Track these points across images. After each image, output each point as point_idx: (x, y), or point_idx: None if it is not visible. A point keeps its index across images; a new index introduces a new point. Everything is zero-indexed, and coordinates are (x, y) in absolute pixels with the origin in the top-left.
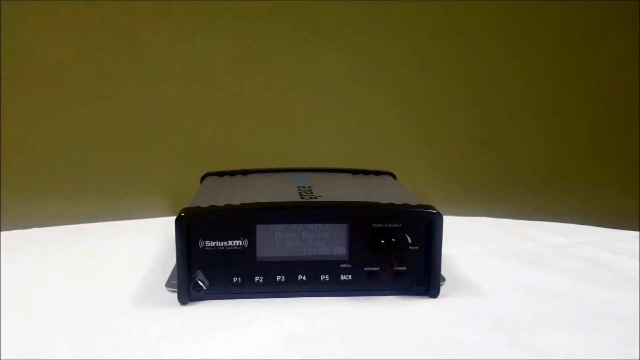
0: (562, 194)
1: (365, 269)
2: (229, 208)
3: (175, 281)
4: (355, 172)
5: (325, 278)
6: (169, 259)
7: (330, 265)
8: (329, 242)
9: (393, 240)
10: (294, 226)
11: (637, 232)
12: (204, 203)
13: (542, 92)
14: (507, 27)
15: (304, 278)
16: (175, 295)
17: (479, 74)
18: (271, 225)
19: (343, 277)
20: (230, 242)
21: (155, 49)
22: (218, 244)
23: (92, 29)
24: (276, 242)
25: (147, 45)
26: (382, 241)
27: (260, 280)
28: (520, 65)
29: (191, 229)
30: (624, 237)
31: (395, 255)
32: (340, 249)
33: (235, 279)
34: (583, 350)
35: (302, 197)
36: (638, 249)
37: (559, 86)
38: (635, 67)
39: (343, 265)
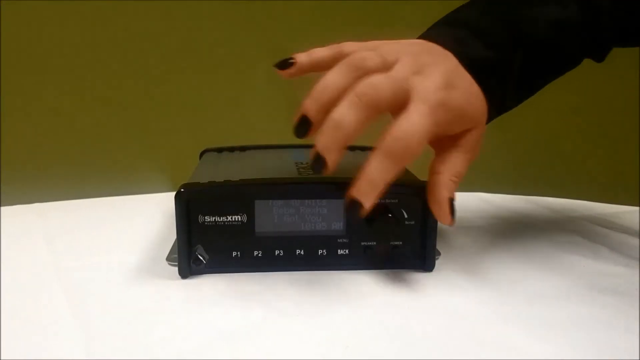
0: (558, 169)
1: (362, 243)
2: (227, 184)
3: (176, 255)
4: (352, 148)
5: (322, 252)
6: (169, 234)
7: (328, 240)
8: (326, 217)
9: (389, 215)
10: (292, 202)
11: (633, 208)
12: (203, 179)
13: None
14: None
15: (302, 253)
16: (176, 269)
17: None
18: (269, 200)
19: (340, 252)
20: (229, 217)
21: (153, 25)
22: (217, 219)
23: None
24: (274, 217)
25: (145, 23)
26: (379, 216)
27: (259, 255)
28: None
29: (191, 204)
30: (619, 212)
31: (392, 230)
32: (337, 224)
33: (234, 253)
34: (578, 321)
35: (300, 173)
36: (634, 224)
37: None
38: None
39: (340, 240)
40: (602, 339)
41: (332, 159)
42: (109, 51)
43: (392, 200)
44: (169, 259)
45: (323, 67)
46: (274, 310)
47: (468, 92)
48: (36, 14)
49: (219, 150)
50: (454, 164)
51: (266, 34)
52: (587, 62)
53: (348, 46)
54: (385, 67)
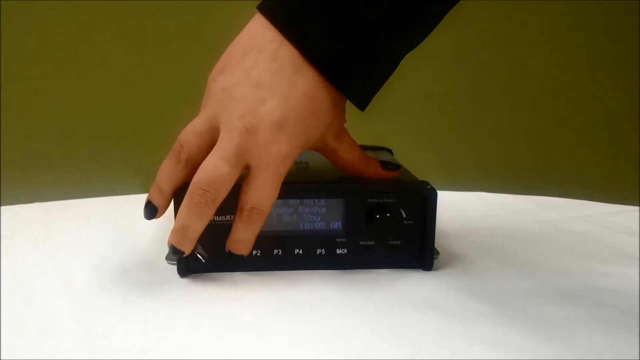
0: (558, 169)
1: (361, 243)
2: None
3: None
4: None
5: (321, 252)
6: (168, 233)
7: (326, 240)
8: (324, 216)
9: (388, 215)
10: (291, 201)
11: (633, 207)
12: None
13: (535, 66)
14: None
15: (301, 252)
16: (175, 268)
17: (471, 51)
18: None
19: (339, 251)
20: (228, 217)
21: (153, 25)
22: (216, 218)
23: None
24: (273, 216)
25: (145, 23)
26: (377, 216)
27: (258, 254)
28: (517, 44)
29: None
30: (619, 211)
31: (390, 230)
32: (336, 224)
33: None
34: (578, 321)
35: (298, 172)
36: (634, 223)
37: (552, 60)
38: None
39: (339, 240)
40: (601, 339)
41: (187, 249)
42: (108, 51)
43: (391, 200)
44: (168, 258)
45: (179, 183)
46: (273, 309)
47: (307, 115)
48: (36, 14)
49: None
50: (350, 156)
51: None
52: (587, 61)
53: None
54: (211, 138)
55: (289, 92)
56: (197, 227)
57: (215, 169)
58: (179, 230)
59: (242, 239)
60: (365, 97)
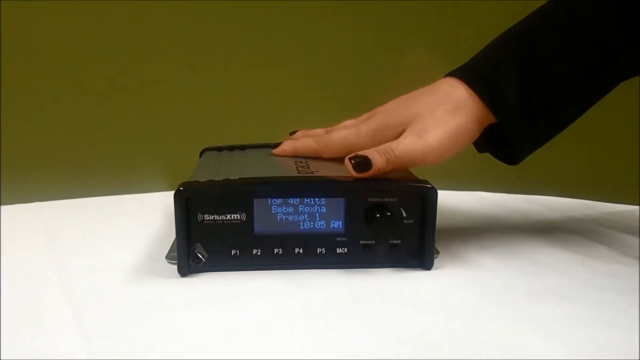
0: (557, 168)
1: (361, 242)
2: (226, 182)
3: (175, 254)
4: None
5: (321, 251)
6: (169, 233)
7: (327, 239)
8: (325, 216)
9: (388, 214)
10: (291, 200)
11: (633, 207)
12: (203, 177)
13: None
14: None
15: (301, 251)
16: (175, 267)
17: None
18: (268, 199)
19: (339, 250)
20: (228, 216)
21: (153, 24)
22: (216, 217)
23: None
24: (273, 215)
25: (145, 23)
26: (378, 215)
27: (258, 253)
28: None
29: (190, 203)
30: (619, 211)
31: (391, 229)
32: (336, 223)
33: (233, 252)
34: (578, 320)
35: (299, 172)
36: (634, 223)
37: None
38: None
39: (339, 239)
40: (602, 339)
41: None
42: (108, 51)
43: (391, 199)
44: (168, 257)
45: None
46: (273, 308)
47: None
48: (36, 14)
49: (219, 149)
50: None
51: (266, 33)
52: None
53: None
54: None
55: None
56: (346, 135)
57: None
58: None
59: (372, 155)
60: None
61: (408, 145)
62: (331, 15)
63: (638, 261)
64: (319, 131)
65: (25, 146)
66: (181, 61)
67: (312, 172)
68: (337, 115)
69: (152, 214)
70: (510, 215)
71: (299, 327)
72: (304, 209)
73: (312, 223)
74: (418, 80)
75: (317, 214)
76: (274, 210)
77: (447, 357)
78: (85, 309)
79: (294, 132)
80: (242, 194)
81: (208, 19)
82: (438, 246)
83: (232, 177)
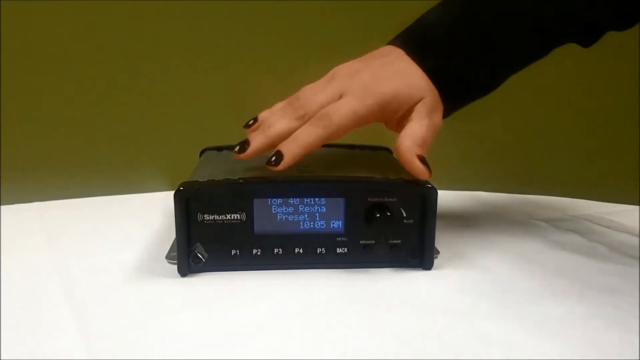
0: (557, 168)
1: (361, 242)
2: (226, 182)
3: (175, 254)
4: (351, 147)
5: (321, 251)
6: (169, 233)
7: (327, 239)
8: (325, 215)
9: (388, 214)
10: (291, 200)
11: (633, 207)
12: (203, 177)
13: (535, 64)
14: None
15: (301, 251)
16: (175, 267)
17: None
18: (268, 199)
19: (339, 250)
20: (228, 216)
21: (153, 24)
22: (216, 217)
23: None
24: (273, 215)
25: (144, 22)
26: (378, 215)
27: (258, 253)
28: None
29: (190, 203)
30: (619, 211)
31: (390, 229)
32: (336, 223)
33: (233, 252)
34: (577, 320)
35: (299, 172)
36: (634, 223)
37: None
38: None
39: (339, 239)
40: (601, 338)
41: (256, 142)
42: (108, 50)
43: (391, 199)
44: (168, 257)
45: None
46: (273, 308)
47: (400, 73)
48: (36, 14)
49: (219, 148)
50: (413, 131)
51: (266, 33)
52: (587, 61)
53: (301, 90)
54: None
55: (390, 62)
56: (280, 126)
57: (314, 94)
58: (263, 127)
59: (298, 136)
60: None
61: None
62: (331, 15)
63: (638, 261)
64: (279, 111)
65: (25, 146)
66: (181, 61)
67: (311, 172)
68: None
69: (152, 214)
70: (510, 215)
71: (299, 327)
72: (304, 209)
73: (312, 223)
74: None
75: (317, 214)
76: (274, 210)
77: (447, 357)
78: (86, 309)
79: (251, 125)
80: (242, 193)
81: (208, 19)
82: (438, 246)
83: (232, 177)
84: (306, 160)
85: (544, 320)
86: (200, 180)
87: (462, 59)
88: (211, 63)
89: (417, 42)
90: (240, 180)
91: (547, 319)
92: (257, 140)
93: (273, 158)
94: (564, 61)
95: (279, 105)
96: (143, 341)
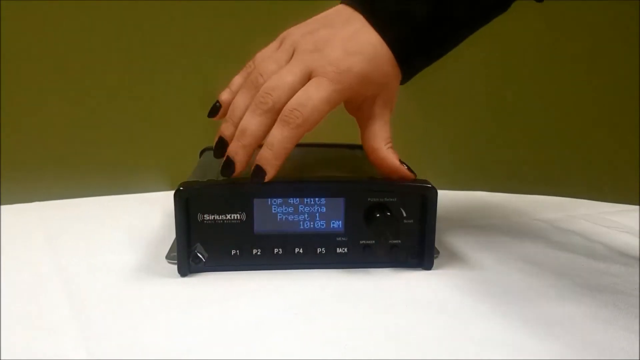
0: (557, 168)
1: (361, 242)
2: (226, 182)
3: (175, 254)
4: (352, 147)
5: (321, 251)
6: (168, 233)
7: (327, 239)
8: (325, 215)
9: (388, 214)
10: (291, 200)
11: (633, 207)
12: (202, 177)
13: (535, 65)
14: None
15: (301, 251)
16: (175, 267)
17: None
18: (268, 199)
19: (339, 250)
20: (228, 216)
21: (153, 24)
22: (216, 217)
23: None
24: (273, 215)
25: (144, 22)
26: (378, 215)
27: (258, 253)
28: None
29: (190, 203)
30: (619, 211)
31: (390, 229)
32: (336, 223)
33: (233, 252)
34: (577, 320)
35: (299, 172)
36: (633, 222)
37: (552, 55)
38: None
39: (339, 239)
40: (601, 339)
41: (239, 161)
42: (108, 50)
43: (391, 199)
44: (168, 257)
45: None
46: (273, 308)
47: (371, 54)
48: (36, 14)
49: None
50: (382, 133)
51: (266, 33)
52: (587, 62)
53: (257, 58)
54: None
55: (356, 33)
56: (254, 128)
57: (280, 78)
58: (238, 134)
59: (271, 141)
60: (413, 67)
61: None
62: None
63: (638, 261)
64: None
65: (25, 146)
66: (181, 61)
67: (312, 172)
68: (337, 115)
69: (152, 214)
70: (510, 215)
71: (299, 327)
72: (304, 209)
73: (312, 223)
74: (416, 80)
75: (317, 214)
76: (274, 210)
77: (447, 357)
78: (86, 309)
79: (217, 111)
80: (242, 193)
81: (208, 19)
82: (438, 246)
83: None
84: (306, 160)
85: (544, 321)
86: (200, 180)
87: (423, 24)
88: (211, 63)
89: (375, 7)
90: (240, 180)
91: (547, 319)
92: (239, 156)
93: (255, 175)
94: (564, 61)
95: (238, 80)
96: (143, 341)
